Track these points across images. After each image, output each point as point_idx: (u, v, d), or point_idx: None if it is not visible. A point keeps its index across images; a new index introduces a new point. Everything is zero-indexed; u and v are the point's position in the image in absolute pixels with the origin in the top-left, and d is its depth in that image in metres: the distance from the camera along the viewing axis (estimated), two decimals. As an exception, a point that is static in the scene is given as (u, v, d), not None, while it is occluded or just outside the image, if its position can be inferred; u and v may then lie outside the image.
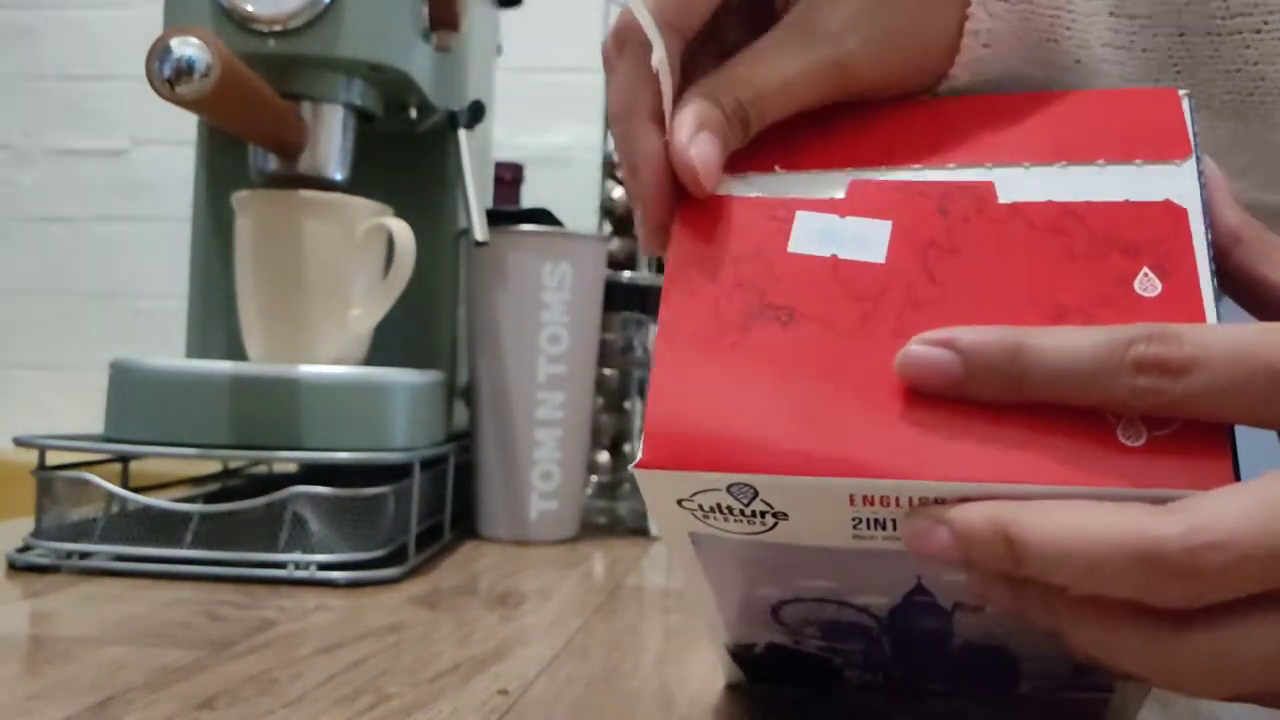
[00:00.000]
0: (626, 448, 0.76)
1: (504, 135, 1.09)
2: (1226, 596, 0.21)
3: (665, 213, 0.28)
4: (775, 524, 0.25)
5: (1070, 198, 0.26)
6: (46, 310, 1.27)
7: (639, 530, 0.70)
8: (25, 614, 0.42)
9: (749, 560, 0.27)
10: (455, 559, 0.58)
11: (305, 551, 0.49)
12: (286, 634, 0.40)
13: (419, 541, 0.55)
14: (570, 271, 0.64)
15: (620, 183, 0.79)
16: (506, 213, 0.66)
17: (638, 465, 0.24)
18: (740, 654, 0.33)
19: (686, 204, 0.28)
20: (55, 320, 1.27)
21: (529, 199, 0.78)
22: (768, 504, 0.24)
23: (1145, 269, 0.25)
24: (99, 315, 1.26)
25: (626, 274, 0.75)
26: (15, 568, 0.49)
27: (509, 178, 0.81)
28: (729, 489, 0.24)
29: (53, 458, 0.52)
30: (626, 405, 0.76)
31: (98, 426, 0.54)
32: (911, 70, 0.30)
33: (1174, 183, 0.26)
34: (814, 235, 0.27)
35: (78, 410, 1.23)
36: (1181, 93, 0.27)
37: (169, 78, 0.45)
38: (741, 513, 0.25)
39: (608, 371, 0.74)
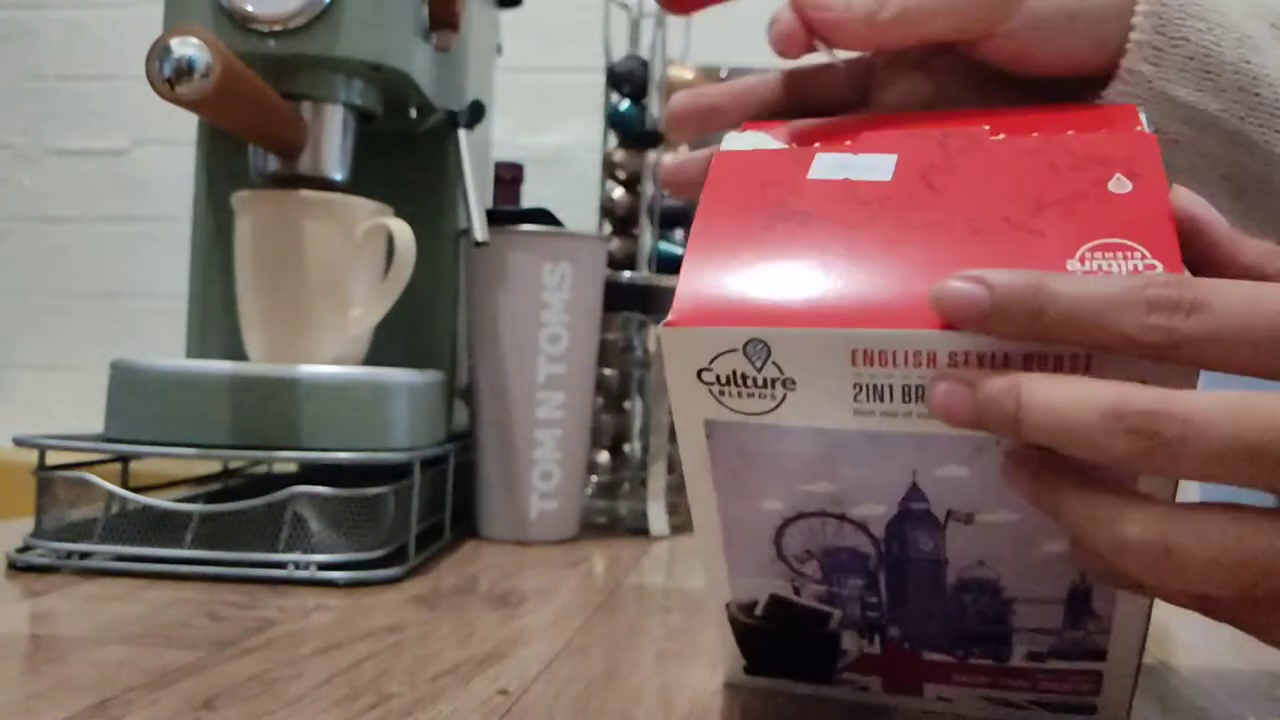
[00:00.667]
0: (626, 448, 0.76)
1: (504, 135, 1.10)
2: (1182, 475, 0.22)
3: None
4: (784, 397, 0.28)
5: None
6: (46, 310, 1.27)
7: (639, 530, 0.70)
8: (25, 614, 0.42)
9: (757, 458, 0.30)
10: (455, 559, 0.58)
11: (305, 551, 0.49)
12: (286, 634, 0.40)
13: (419, 541, 0.55)
14: (570, 271, 0.64)
15: (620, 183, 0.79)
16: (506, 213, 0.66)
17: (665, 324, 0.27)
18: (741, 624, 0.34)
19: (720, 153, 0.33)
20: (55, 320, 1.27)
21: (529, 199, 0.78)
22: (778, 368, 0.27)
23: (1118, 174, 0.28)
24: (99, 315, 1.26)
25: (626, 274, 0.75)
26: (15, 568, 0.49)
27: (509, 178, 0.81)
28: (745, 348, 0.27)
29: (53, 458, 0.52)
30: (626, 405, 0.76)
31: (98, 426, 0.54)
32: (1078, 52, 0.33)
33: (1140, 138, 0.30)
34: (829, 166, 0.31)
35: (78, 410, 1.23)
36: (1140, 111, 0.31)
37: (169, 78, 0.45)
38: (754, 383, 0.27)
39: (608, 371, 0.74)
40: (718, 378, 0.28)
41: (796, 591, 0.33)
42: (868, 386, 0.27)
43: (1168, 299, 0.23)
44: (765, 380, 0.27)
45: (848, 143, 0.33)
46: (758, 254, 0.29)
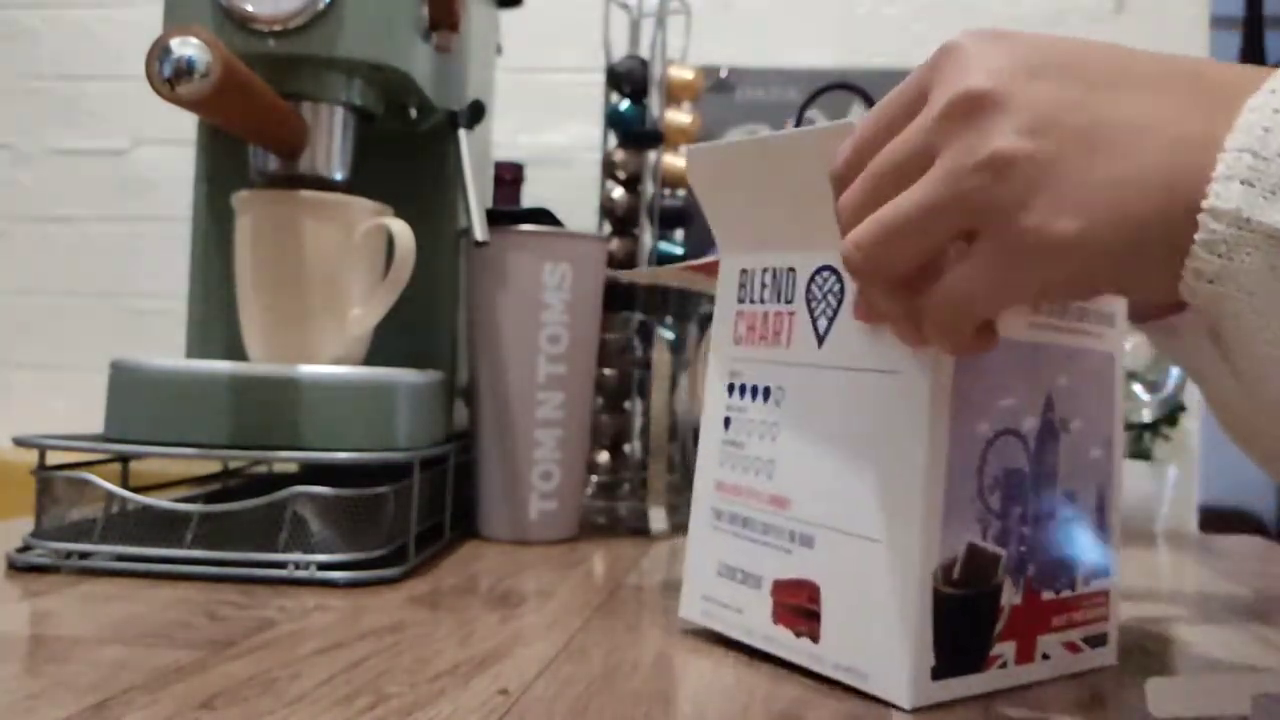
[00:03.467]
0: (626, 448, 0.76)
1: (504, 135, 1.09)
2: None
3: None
4: None
5: None
6: (46, 310, 1.27)
7: (639, 530, 0.70)
8: (25, 614, 0.42)
9: (983, 373, 0.35)
10: (455, 559, 0.58)
11: (305, 551, 0.49)
12: (286, 634, 0.40)
13: (419, 541, 0.55)
14: (570, 271, 0.64)
15: (620, 183, 0.79)
16: (506, 213, 0.66)
17: None
18: (944, 596, 0.35)
19: None
20: (55, 320, 1.27)
21: (529, 199, 0.78)
22: None
23: None
24: (99, 315, 1.26)
25: (626, 274, 0.75)
26: (15, 568, 0.49)
27: (509, 178, 0.81)
28: None
29: (53, 458, 0.52)
30: (626, 405, 0.76)
31: (98, 426, 0.54)
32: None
33: None
34: None
35: (78, 410, 1.23)
36: None
37: (169, 78, 0.45)
38: None
39: (608, 371, 0.74)
40: None
41: (984, 535, 0.36)
42: None
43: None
44: None
45: None
46: None
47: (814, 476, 0.38)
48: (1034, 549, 0.37)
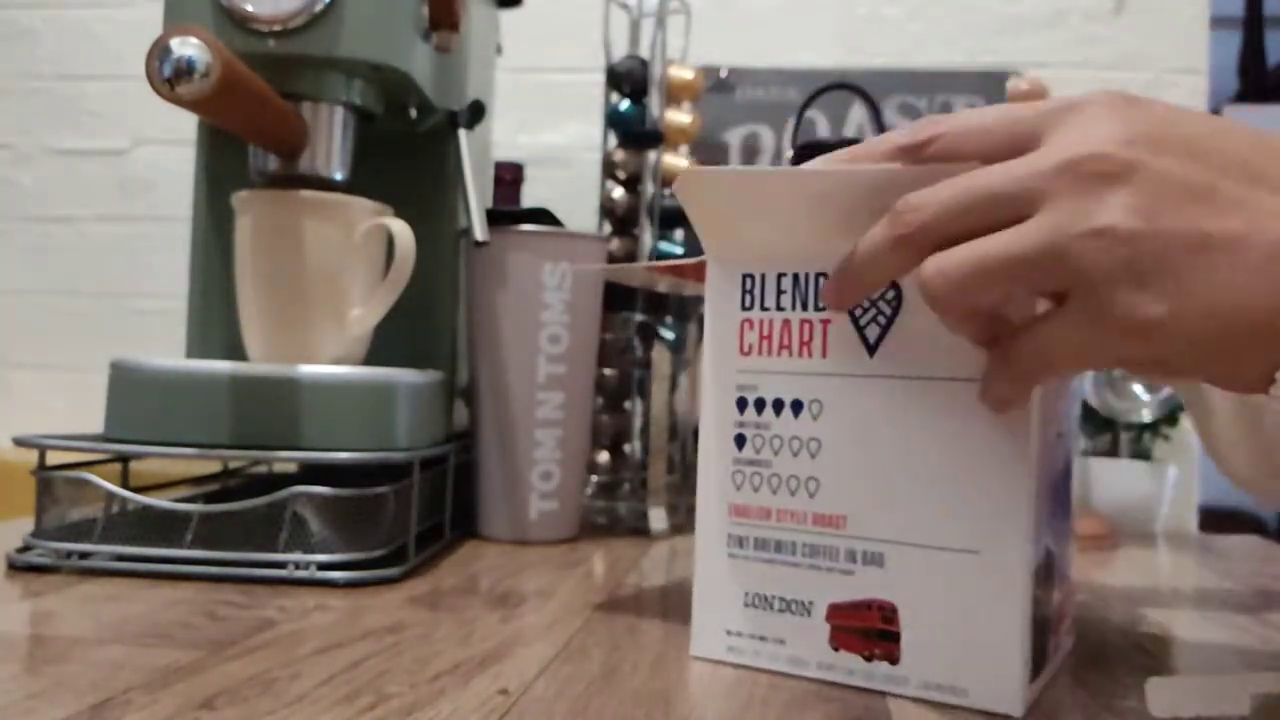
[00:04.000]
0: (626, 448, 0.76)
1: (504, 135, 1.10)
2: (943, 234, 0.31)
3: None
4: None
5: None
6: (46, 310, 1.27)
7: (639, 530, 0.70)
8: (25, 614, 0.42)
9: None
10: (455, 559, 0.58)
11: (305, 551, 0.49)
12: (286, 634, 0.40)
13: (419, 541, 0.55)
14: (570, 271, 0.64)
15: (620, 183, 0.79)
16: (506, 213, 0.66)
17: None
18: (1037, 599, 0.35)
19: None
20: (55, 320, 1.27)
21: (529, 199, 0.78)
22: None
23: None
24: (99, 315, 1.26)
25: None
26: (15, 568, 0.49)
27: (509, 178, 0.81)
28: None
29: (53, 458, 0.52)
30: (626, 405, 0.76)
31: (98, 426, 0.54)
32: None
33: None
34: None
35: (78, 410, 1.23)
36: None
37: (169, 78, 0.45)
38: None
39: (608, 371, 0.74)
40: None
41: (1051, 535, 0.37)
42: None
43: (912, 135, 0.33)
44: None
45: None
46: None
47: (878, 491, 0.36)
48: (1058, 535, 0.39)
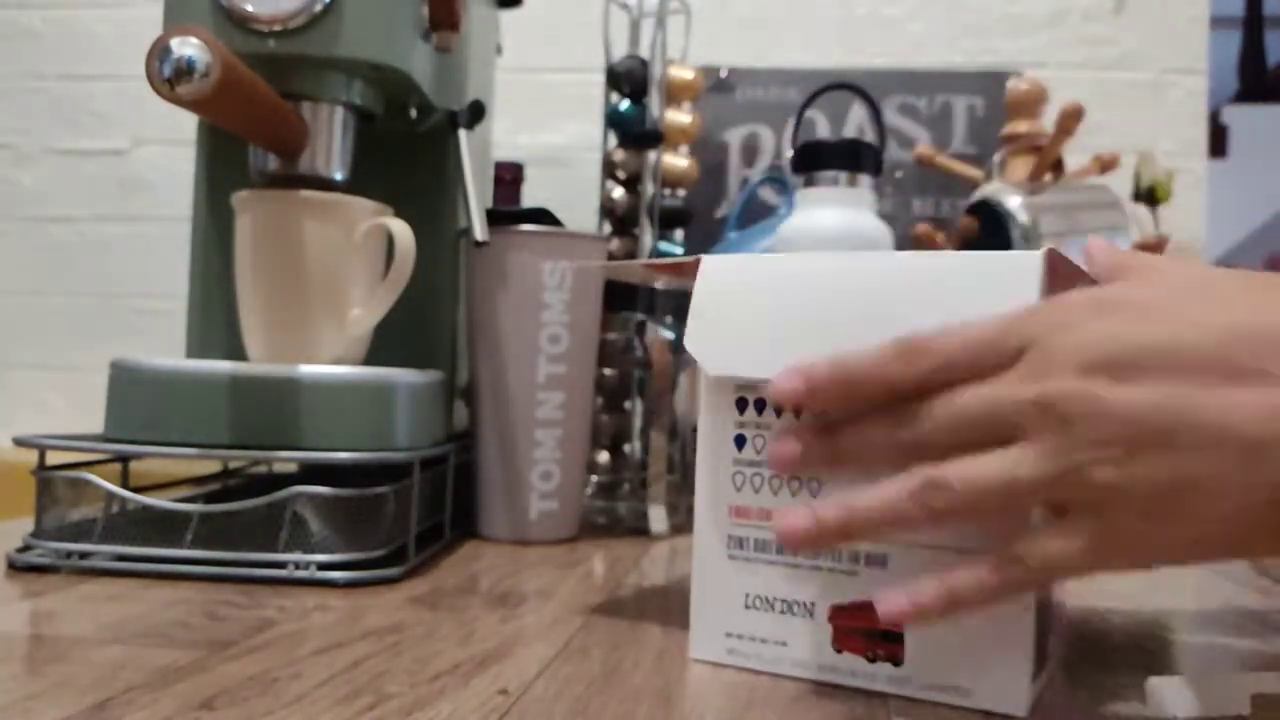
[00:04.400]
0: (626, 448, 0.76)
1: (504, 135, 1.10)
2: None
3: None
4: None
5: None
6: (46, 310, 1.27)
7: (639, 530, 0.70)
8: (25, 614, 0.42)
9: None
10: (455, 559, 0.58)
11: (305, 551, 0.49)
12: (286, 634, 0.40)
13: (419, 541, 0.55)
14: (570, 271, 0.64)
15: (620, 183, 0.79)
16: (506, 213, 0.66)
17: None
18: (1040, 598, 0.36)
19: None
20: (55, 320, 1.27)
21: (529, 199, 0.78)
22: None
23: None
24: (99, 315, 1.26)
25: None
26: (15, 568, 0.49)
27: (509, 178, 0.81)
28: None
29: (53, 458, 0.52)
30: (626, 405, 0.76)
31: (98, 426, 0.54)
32: None
33: None
34: None
35: (78, 410, 1.23)
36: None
37: (169, 78, 0.45)
38: None
39: (608, 371, 0.74)
40: None
41: None
42: None
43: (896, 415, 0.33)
44: None
45: None
46: None
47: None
48: None
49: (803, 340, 0.37)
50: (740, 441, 0.39)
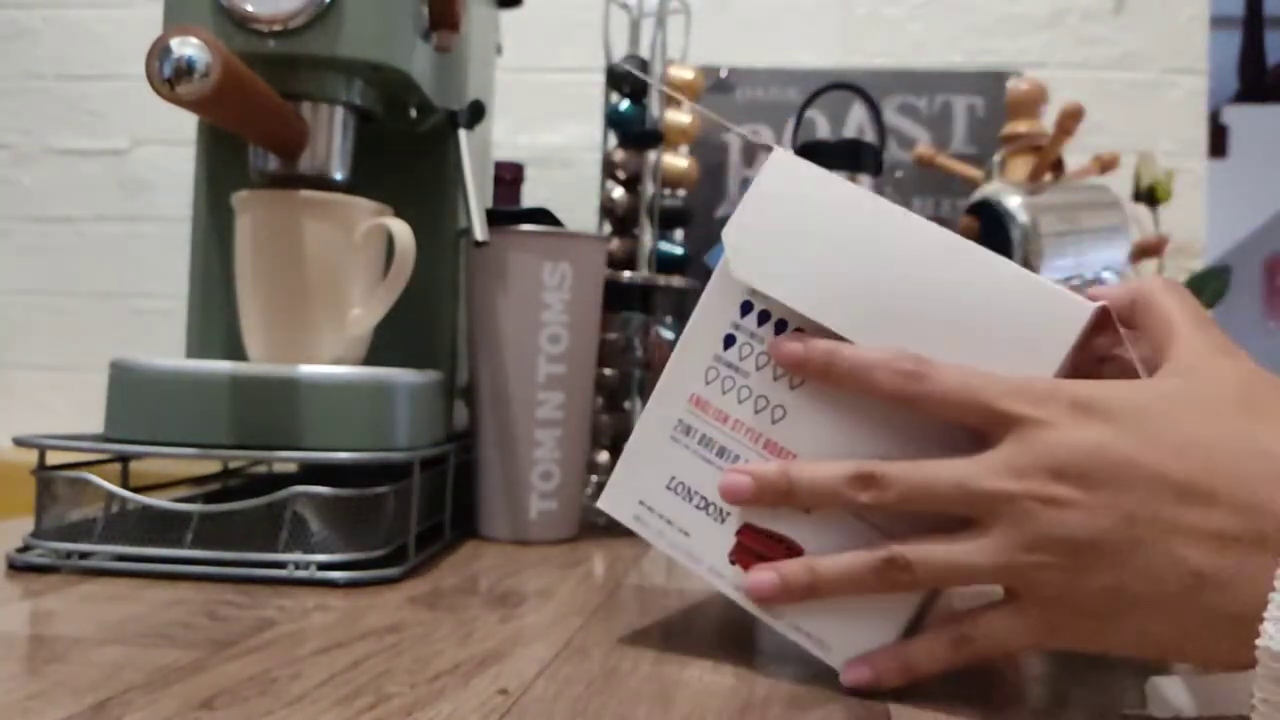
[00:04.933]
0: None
1: (504, 135, 1.10)
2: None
3: None
4: None
5: None
6: (46, 310, 1.27)
7: (639, 530, 0.69)
8: (25, 614, 0.42)
9: None
10: (455, 559, 0.58)
11: (305, 551, 0.49)
12: (286, 634, 0.40)
13: (419, 541, 0.55)
14: (570, 271, 0.64)
15: (620, 183, 0.79)
16: (506, 213, 0.66)
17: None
18: None
19: None
20: (55, 320, 1.26)
21: (529, 199, 0.78)
22: None
23: None
24: (99, 315, 1.26)
25: (626, 274, 0.75)
26: (15, 568, 0.49)
27: (509, 178, 0.81)
28: None
29: (53, 458, 0.52)
30: (626, 405, 0.76)
31: (98, 426, 0.54)
32: None
33: None
34: None
35: (78, 410, 1.23)
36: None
37: (169, 78, 0.45)
38: None
39: (608, 371, 0.74)
40: None
41: None
42: None
43: (864, 476, 0.35)
44: None
45: None
46: None
47: (831, 447, 0.37)
48: None
49: (833, 286, 0.36)
50: (729, 341, 0.39)
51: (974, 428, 0.34)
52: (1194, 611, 0.30)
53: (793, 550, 0.37)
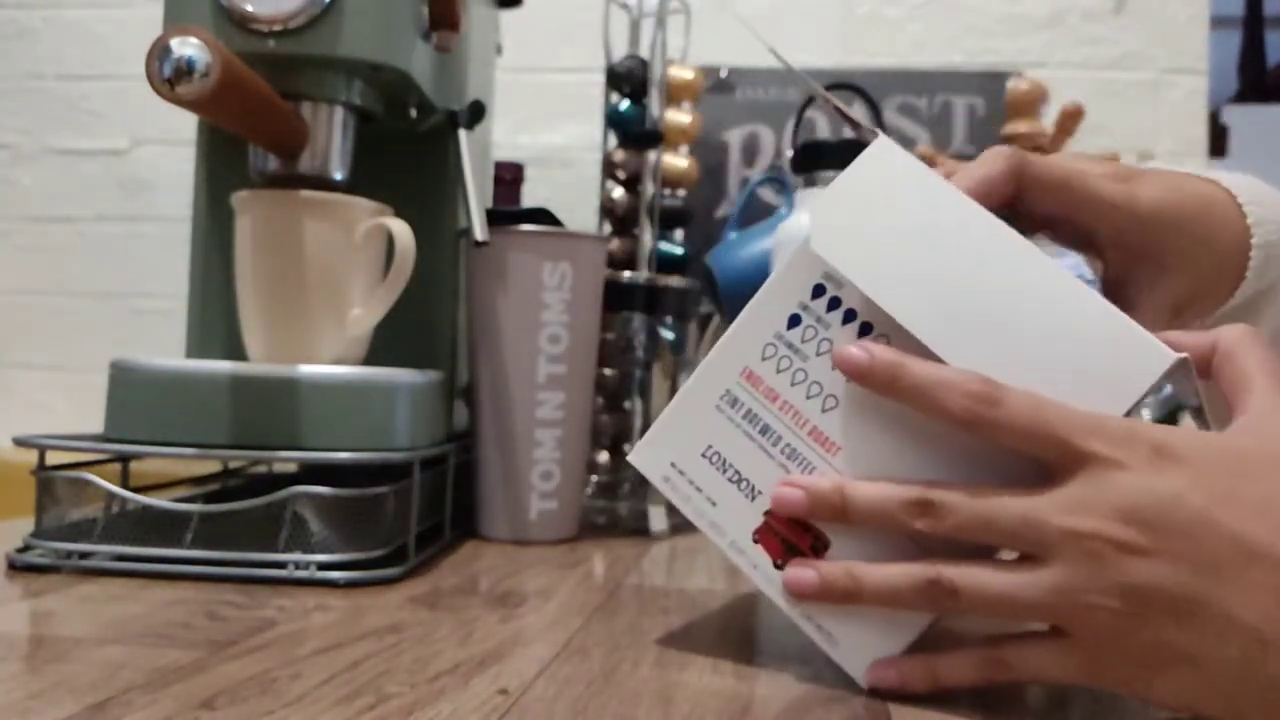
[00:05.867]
0: (626, 448, 0.76)
1: (504, 135, 1.10)
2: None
3: None
4: None
5: None
6: (46, 310, 1.27)
7: (639, 530, 0.70)
8: (25, 614, 0.42)
9: None
10: (455, 559, 0.58)
11: (305, 551, 0.49)
12: (286, 634, 0.40)
13: (419, 541, 0.55)
14: (570, 271, 0.64)
15: (620, 183, 0.79)
16: (506, 213, 0.66)
17: None
18: None
19: None
20: (55, 320, 1.27)
21: (529, 199, 0.78)
22: None
23: None
24: (99, 315, 1.26)
25: (626, 274, 0.75)
26: (15, 568, 0.49)
27: (509, 178, 0.81)
28: None
29: (53, 458, 0.52)
30: (626, 405, 0.76)
31: (98, 426, 0.54)
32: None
33: None
34: None
35: (78, 410, 1.23)
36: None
37: (169, 78, 0.45)
38: None
39: (608, 371, 0.74)
40: None
41: None
42: None
43: (922, 503, 0.34)
44: None
45: None
46: None
47: (876, 448, 0.36)
48: None
49: (913, 284, 0.35)
50: (794, 320, 0.38)
51: (1041, 460, 0.33)
52: (1252, 677, 0.30)
53: (819, 540, 0.37)
